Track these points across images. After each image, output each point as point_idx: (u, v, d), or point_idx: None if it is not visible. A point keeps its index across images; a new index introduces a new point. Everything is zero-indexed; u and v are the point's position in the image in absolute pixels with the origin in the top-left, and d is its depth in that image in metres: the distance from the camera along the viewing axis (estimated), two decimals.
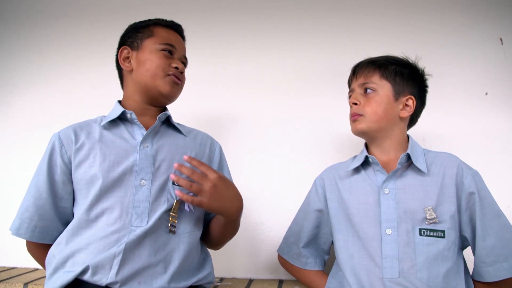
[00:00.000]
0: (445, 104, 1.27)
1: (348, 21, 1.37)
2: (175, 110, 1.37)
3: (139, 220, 0.80)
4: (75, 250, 0.78)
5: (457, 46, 1.31)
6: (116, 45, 0.98)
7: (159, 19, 0.98)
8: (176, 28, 1.00)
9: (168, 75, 0.91)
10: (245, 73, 1.38)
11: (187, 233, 0.85)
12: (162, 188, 0.84)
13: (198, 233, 0.89)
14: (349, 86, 1.04)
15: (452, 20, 1.33)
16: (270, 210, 1.28)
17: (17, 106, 1.50)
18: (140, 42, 0.93)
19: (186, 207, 0.86)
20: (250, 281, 1.20)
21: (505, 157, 1.23)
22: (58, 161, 0.87)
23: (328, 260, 1.06)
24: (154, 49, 0.92)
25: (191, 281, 0.83)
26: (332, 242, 1.00)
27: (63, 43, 1.52)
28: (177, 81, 0.93)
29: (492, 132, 1.24)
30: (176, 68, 0.93)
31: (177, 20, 1.00)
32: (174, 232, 0.83)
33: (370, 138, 0.96)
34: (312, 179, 1.07)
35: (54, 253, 0.81)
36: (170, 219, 0.83)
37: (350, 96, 1.01)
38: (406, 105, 0.94)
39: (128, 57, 0.94)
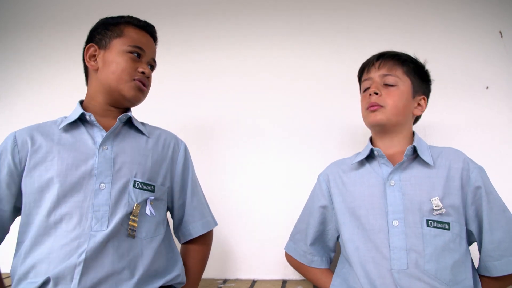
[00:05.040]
0: (447, 99, 1.26)
1: (348, 18, 1.37)
2: (176, 111, 1.37)
3: (99, 224, 0.78)
4: (36, 260, 0.76)
5: (457, 41, 1.30)
6: None
7: (131, 18, 0.94)
8: (148, 29, 0.95)
9: (134, 79, 0.89)
10: (247, 72, 1.38)
11: (149, 238, 0.83)
12: (123, 191, 0.82)
13: (161, 237, 0.87)
14: (361, 75, 1.01)
15: (451, 14, 1.32)
16: (273, 211, 1.27)
17: (18, 107, 1.50)
18: (109, 41, 0.90)
19: (147, 211, 0.85)
20: (254, 282, 1.19)
21: (507, 151, 1.22)
22: (7, 162, 0.83)
23: (333, 257, 1.06)
24: (121, 50, 0.89)
25: (158, 284, 0.82)
26: (338, 238, 1.00)
27: (64, 45, 1.51)
28: (142, 87, 0.91)
29: (494, 127, 1.23)
30: (143, 73, 0.90)
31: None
32: (133, 236, 0.81)
33: (383, 131, 0.96)
34: (316, 178, 1.06)
35: (17, 264, 0.78)
36: (130, 222, 0.81)
37: (364, 87, 0.98)
38: (419, 104, 0.97)
39: (94, 55, 0.91)
